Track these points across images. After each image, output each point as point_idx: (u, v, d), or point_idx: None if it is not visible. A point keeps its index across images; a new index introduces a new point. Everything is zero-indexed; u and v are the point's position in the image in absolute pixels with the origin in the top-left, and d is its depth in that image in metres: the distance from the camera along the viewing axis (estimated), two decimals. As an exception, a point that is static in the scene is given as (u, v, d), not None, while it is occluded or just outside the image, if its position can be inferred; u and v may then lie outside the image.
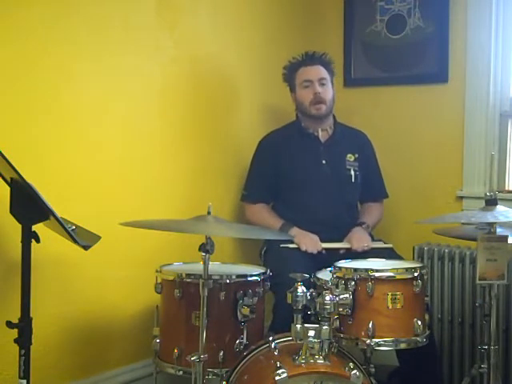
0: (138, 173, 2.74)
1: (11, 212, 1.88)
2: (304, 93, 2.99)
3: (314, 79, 2.97)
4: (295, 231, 2.86)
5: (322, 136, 3.04)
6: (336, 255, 2.72)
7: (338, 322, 2.18)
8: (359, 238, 2.87)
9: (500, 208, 2.27)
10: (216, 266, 2.41)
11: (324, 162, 3.00)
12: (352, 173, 3.02)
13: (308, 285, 2.13)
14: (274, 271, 2.44)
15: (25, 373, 1.90)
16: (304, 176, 2.99)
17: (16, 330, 1.89)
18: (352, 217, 3.04)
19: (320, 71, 2.99)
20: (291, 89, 3.08)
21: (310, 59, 3.02)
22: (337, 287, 2.23)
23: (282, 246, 2.83)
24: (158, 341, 2.33)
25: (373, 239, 2.96)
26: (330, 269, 2.33)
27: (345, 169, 3.02)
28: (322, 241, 2.85)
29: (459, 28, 3.26)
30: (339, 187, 3.00)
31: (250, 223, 2.99)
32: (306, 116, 3.02)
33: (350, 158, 3.04)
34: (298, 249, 2.81)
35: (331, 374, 1.95)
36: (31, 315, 1.91)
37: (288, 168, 3.00)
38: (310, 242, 2.81)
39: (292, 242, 2.83)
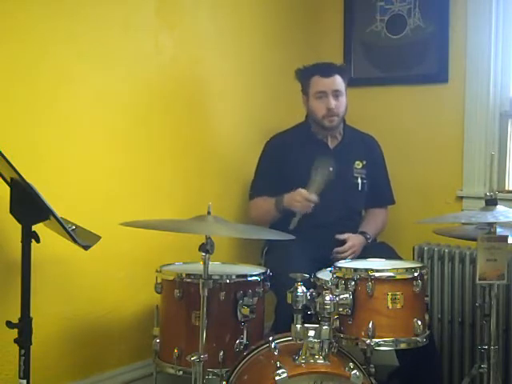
0: (138, 173, 2.74)
1: (11, 212, 1.88)
2: (317, 104, 2.93)
3: (328, 91, 2.90)
4: (285, 199, 2.82)
5: (331, 142, 3.02)
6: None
7: (338, 322, 2.19)
8: (354, 244, 2.86)
9: (500, 208, 2.27)
10: (216, 266, 2.41)
11: (331, 169, 2.98)
12: (359, 181, 2.99)
13: (308, 285, 2.13)
14: (275, 271, 2.44)
15: (25, 373, 1.90)
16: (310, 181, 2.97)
17: (16, 330, 1.89)
18: (356, 223, 3.03)
19: (335, 82, 2.91)
20: (303, 90, 3.00)
21: (326, 69, 2.94)
22: (337, 287, 2.23)
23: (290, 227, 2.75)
24: (157, 341, 2.33)
25: (373, 242, 2.97)
26: (329, 269, 2.33)
27: (352, 177, 2.99)
28: (325, 246, 2.84)
29: (459, 28, 3.26)
30: (345, 195, 2.98)
31: (255, 220, 2.97)
32: (317, 125, 2.99)
33: (358, 165, 3.01)
34: (300, 245, 2.74)
35: (331, 374, 1.95)
36: (31, 315, 1.91)
37: (293, 172, 2.96)
38: (300, 203, 2.76)
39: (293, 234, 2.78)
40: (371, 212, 3.12)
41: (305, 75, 2.98)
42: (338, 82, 2.93)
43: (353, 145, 3.05)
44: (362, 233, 2.95)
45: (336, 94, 2.91)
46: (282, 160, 3.00)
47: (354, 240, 2.88)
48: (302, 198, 2.76)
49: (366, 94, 3.51)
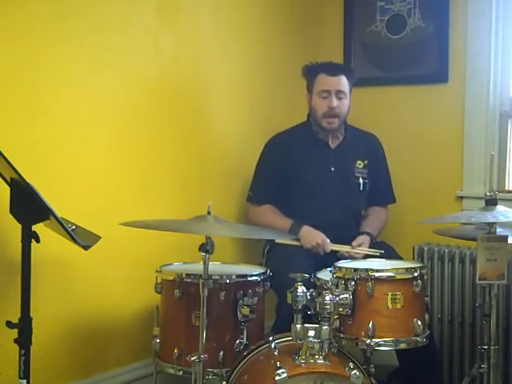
0: (137, 173, 2.74)
1: (11, 212, 1.88)
2: (319, 102, 2.92)
3: (332, 91, 2.89)
4: (304, 231, 2.83)
5: (333, 142, 3.00)
6: (336, 256, 2.73)
7: (337, 322, 2.19)
8: (364, 242, 2.86)
9: (500, 208, 2.27)
10: (216, 266, 2.41)
11: (333, 169, 2.97)
12: (360, 181, 2.99)
13: (308, 285, 2.13)
14: (276, 270, 2.44)
15: (25, 373, 1.90)
16: (311, 182, 2.95)
17: (16, 330, 1.89)
18: (357, 224, 3.02)
19: (340, 82, 2.91)
20: (308, 88, 3.00)
21: (333, 68, 2.94)
22: (337, 287, 2.23)
23: (277, 241, 2.82)
24: (158, 341, 2.33)
25: (375, 241, 2.96)
26: (330, 269, 2.33)
27: (353, 177, 2.99)
28: None
29: (459, 28, 3.26)
30: (346, 195, 2.98)
31: (254, 224, 2.96)
32: (317, 125, 2.99)
33: (360, 164, 3.00)
34: (299, 246, 2.81)
35: (331, 374, 1.95)
36: (31, 315, 1.91)
37: (294, 172, 2.97)
38: (314, 246, 2.79)
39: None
40: (373, 211, 3.11)
41: (311, 72, 2.98)
42: (343, 82, 2.92)
43: (354, 144, 3.04)
44: (368, 233, 2.93)
45: (339, 95, 2.91)
46: (282, 160, 2.99)
47: (361, 239, 2.87)
48: (322, 243, 2.78)
49: (366, 94, 3.51)
